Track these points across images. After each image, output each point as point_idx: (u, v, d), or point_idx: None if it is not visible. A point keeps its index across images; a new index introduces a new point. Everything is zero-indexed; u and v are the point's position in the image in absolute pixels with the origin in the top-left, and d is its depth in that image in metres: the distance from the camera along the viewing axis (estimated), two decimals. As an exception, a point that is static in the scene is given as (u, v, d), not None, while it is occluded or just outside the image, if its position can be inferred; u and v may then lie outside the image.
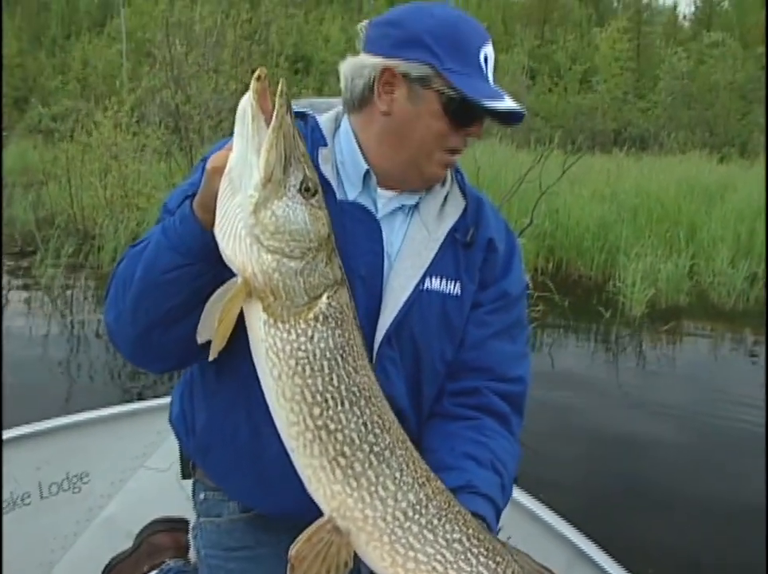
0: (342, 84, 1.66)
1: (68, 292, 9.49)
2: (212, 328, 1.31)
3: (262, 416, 1.43)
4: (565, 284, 10.19)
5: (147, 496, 3.14)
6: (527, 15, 44.38)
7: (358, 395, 1.33)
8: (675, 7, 54.09)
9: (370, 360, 1.47)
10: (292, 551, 1.27)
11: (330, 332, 1.32)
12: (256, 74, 1.34)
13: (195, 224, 1.43)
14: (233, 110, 1.35)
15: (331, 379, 1.32)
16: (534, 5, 46.24)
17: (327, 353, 1.31)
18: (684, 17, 54.47)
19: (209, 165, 1.38)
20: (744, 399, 6.71)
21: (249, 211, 1.30)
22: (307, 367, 1.31)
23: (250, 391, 1.50)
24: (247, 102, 1.31)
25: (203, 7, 11.14)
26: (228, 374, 1.61)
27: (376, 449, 1.32)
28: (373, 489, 1.31)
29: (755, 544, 3.99)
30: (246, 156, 1.32)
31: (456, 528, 1.32)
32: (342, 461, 1.31)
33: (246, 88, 1.34)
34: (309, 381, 1.31)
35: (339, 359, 1.33)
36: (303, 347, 1.31)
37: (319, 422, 1.31)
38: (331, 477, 1.31)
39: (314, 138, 1.63)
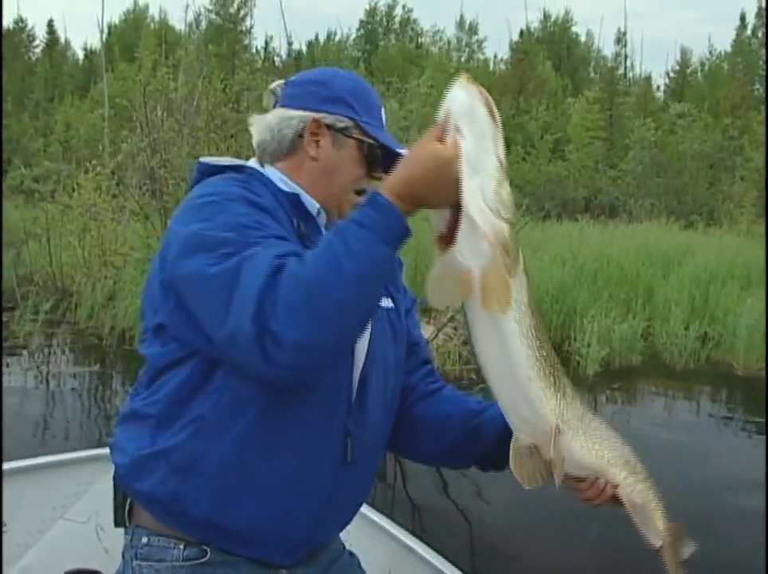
0: (262, 137, 1.88)
1: (47, 349, 9.80)
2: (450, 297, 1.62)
3: (310, 462, 1.70)
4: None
5: (65, 547, 3.07)
6: (503, 85, 45.19)
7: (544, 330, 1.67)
8: (648, 79, 55.13)
9: (362, 378, 1.80)
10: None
11: (527, 282, 1.62)
12: (465, 76, 1.59)
13: (399, 214, 1.52)
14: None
15: (539, 320, 1.65)
16: (510, 76, 47.16)
17: (532, 301, 1.63)
18: (658, 88, 55.58)
19: (450, 153, 1.53)
20: (700, 456, 7.02)
21: (492, 189, 1.54)
22: (531, 309, 1.61)
23: (308, 445, 1.69)
24: (474, 101, 1.56)
25: (183, 75, 11.57)
26: (290, 425, 1.68)
27: (559, 368, 1.68)
28: (569, 398, 1.68)
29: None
30: (482, 144, 1.55)
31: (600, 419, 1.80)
32: (555, 380, 1.66)
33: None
34: (535, 321, 1.62)
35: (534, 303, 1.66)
36: (525, 299, 1.59)
37: (543, 352, 1.62)
38: (553, 392, 1.65)
39: (279, 192, 1.82)
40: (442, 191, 1.56)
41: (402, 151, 1.79)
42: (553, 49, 57.92)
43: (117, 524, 1.80)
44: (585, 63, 63.73)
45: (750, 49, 52.48)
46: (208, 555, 1.68)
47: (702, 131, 34.39)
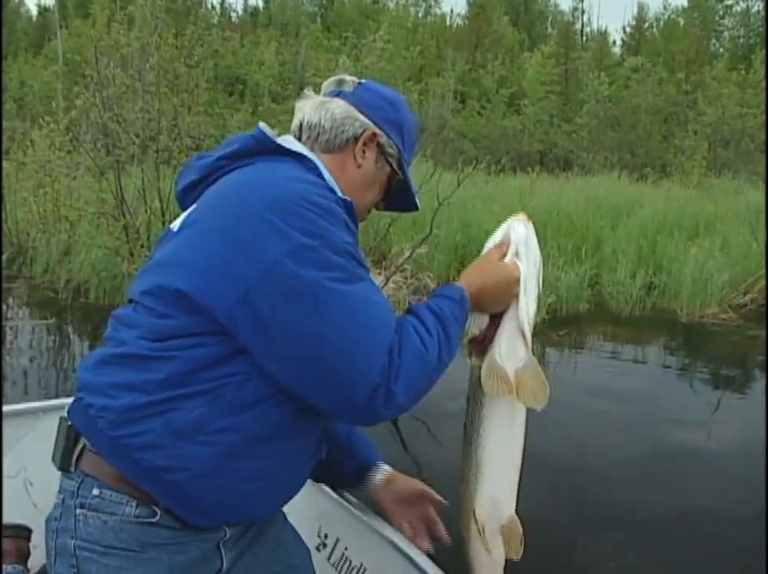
0: (319, 121, 1.93)
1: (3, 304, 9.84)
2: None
3: (297, 460, 1.80)
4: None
5: None
6: (459, 40, 45.13)
7: None
8: (605, 34, 55.25)
9: None
10: None
11: None
12: (524, 215, 2.02)
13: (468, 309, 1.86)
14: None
15: None
16: (467, 31, 47.08)
17: None
18: (614, 43, 55.79)
19: (516, 274, 1.92)
20: (646, 398, 7.17)
21: (534, 309, 1.95)
22: None
23: (307, 443, 1.81)
24: (531, 234, 1.98)
25: (136, 30, 11.52)
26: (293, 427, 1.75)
27: None
28: None
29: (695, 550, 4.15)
30: (533, 271, 1.95)
31: None
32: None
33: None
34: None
35: None
36: None
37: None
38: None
39: (328, 186, 1.79)
40: (500, 302, 1.93)
41: (417, 200, 2.08)
42: (510, 3, 57.87)
43: (62, 468, 1.74)
44: (543, 18, 63.85)
45: (706, 4, 52.74)
46: (158, 516, 1.68)
47: (656, 86, 34.70)
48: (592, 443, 5.89)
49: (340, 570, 2.48)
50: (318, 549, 2.57)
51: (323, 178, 1.82)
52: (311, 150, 1.89)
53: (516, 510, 2.03)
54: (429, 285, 9.89)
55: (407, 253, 9.57)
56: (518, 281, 1.93)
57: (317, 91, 2.01)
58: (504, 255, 1.95)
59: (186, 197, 1.92)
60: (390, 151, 1.96)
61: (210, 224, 1.66)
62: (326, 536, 2.57)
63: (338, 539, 2.49)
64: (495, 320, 1.95)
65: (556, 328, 9.50)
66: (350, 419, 1.74)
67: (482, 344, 1.95)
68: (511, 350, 1.92)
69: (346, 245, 1.64)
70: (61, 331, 8.99)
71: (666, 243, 12.10)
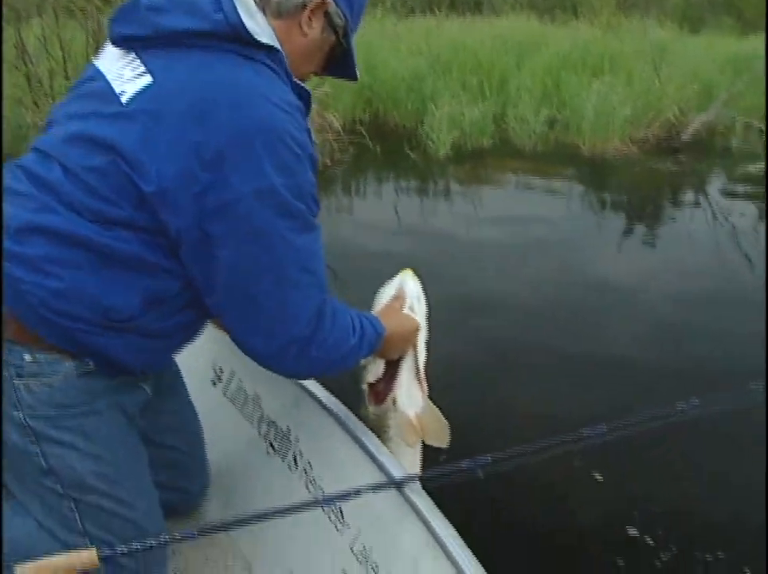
0: None
1: None
2: None
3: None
4: (381, 132, 10.75)
5: None
6: None
7: None
8: None
9: None
10: None
11: None
12: (411, 271, 2.33)
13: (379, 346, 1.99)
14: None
15: None
16: None
17: None
18: None
19: (418, 326, 2.17)
20: (549, 223, 7.41)
21: (424, 357, 2.20)
22: None
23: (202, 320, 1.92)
24: (420, 291, 2.28)
25: None
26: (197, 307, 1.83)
27: None
28: None
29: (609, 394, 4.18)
30: (424, 323, 2.23)
31: None
32: None
33: None
34: None
35: None
36: None
37: None
38: None
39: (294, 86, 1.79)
40: (401, 349, 2.14)
41: (356, 67, 2.03)
42: None
43: None
44: None
45: None
46: (92, 365, 1.74)
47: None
48: (501, 278, 5.98)
49: (235, 401, 2.55)
50: (213, 383, 2.68)
51: (287, 73, 1.79)
52: (263, 13, 1.79)
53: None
54: (334, 124, 9.80)
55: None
56: (417, 331, 2.16)
57: None
58: (402, 307, 2.18)
59: (122, 39, 1.78)
60: (338, 20, 1.90)
61: (190, 135, 1.59)
62: (220, 369, 2.66)
63: (233, 372, 2.57)
64: (390, 369, 2.14)
65: (460, 162, 9.58)
66: (257, 357, 1.80)
67: (380, 393, 2.15)
68: (410, 397, 2.13)
69: (311, 188, 1.69)
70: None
71: (570, 80, 12.10)
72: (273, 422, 2.32)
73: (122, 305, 1.69)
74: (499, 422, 3.83)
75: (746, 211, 8.31)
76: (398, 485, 1.75)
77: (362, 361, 2.07)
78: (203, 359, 2.60)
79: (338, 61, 1.99)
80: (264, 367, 1.84)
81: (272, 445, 2.31)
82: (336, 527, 1.98)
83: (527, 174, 9.58)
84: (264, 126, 1.60)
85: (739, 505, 3.29)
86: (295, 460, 2.20)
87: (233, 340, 1.80)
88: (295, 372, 1.89)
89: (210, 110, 1.59)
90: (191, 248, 1.65)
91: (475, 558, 1.58)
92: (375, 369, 2.13)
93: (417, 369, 2.15)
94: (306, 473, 2.14)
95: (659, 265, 6.46)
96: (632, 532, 3.11)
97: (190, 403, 2.41)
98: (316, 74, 2.03)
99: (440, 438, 2.07)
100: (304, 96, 1.80)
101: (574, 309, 5.39)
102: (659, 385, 4.23)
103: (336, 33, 1.92)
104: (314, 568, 2.04)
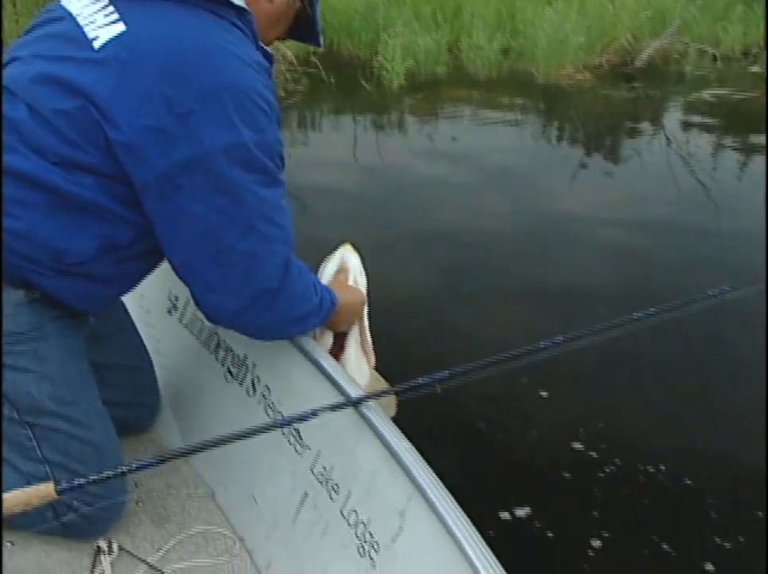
0: None
1: None
2: None
3: None
4: (335, 63, 10.59)
5: None
6: None
7: None
8: None
9: None
10: None
11: None
12: (350, 245, 2.34)
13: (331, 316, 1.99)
14: None
15: None
16: None
17: None
18: None
19: (363, 299, 2.24)
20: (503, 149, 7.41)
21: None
22: None
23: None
24: (359, 264, 2.32)
25: None
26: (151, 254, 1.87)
27: None
28: None
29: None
30: (366, 296, 2.27)
31: None
32: None
33: None
34: None
35: None
36: None
37: None
38: None
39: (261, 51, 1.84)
40: (350, 322, 2.16)
41: (319, 33, 2.06)
42: None
43: None
44: None
45: None
46: (38, 294, 1.76)
47: None
48: (456, 209, 5.98)
49: (191, 328, 2.54)
50: (169, 312, 2.64)
51: (255, 35, 1.82)
52: None
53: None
54: (287, 54, 9.66)
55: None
56: (364, 303, 2.21)
57: None
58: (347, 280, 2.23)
59: None
60: None
61: (161, 89, 1.58)
62: (176, 298, 2.63)
63: (188, 299, 2.53)
64: (338, 342, 2.16)
65: (415, 92, 9.52)
66: (222, 314, 1.82)
67: None
68: (358, 368, 2.16)
69: (278, 146, 1.73)
70: None
71: (524, 7, 12.00)
72: (230, 348, 2.32)
73: (76, 249, 1.70)
74: (453, 345, 3.88)
75: (700, 139, 8.35)
76: (355, 404, 1.76)
77: (312, 333, 2.08)
78: (158, 288, 2.59)
79: (303, 27, 2.02)
80: (226, 326, 1.90)
81: (229, 370, 2.31)
82: (296, 449, 1.99)
83: (482, 103, 9.56)
84: (235, 83, 1.62)
85: (679, 420, 3.43)
86: (253, 385, 2.20)
87: (196, 299, 1.82)
88: (259, 328, 1.87)
89: (182, 65, 1.60)
90: (157, 201, 1.66)
91: (430, 469, 1.60)
92: (325, 341, 2.14)
93: (364, 341, 2.22)
94: (265, 397, 2.15)
95: (614, 193, 6.53)
96: (578, 446, 3.20)
97: (130, 319, 2.43)
98: (280, 39, 2.05)
99: (388, 408, 2.05)
100: (268, 59, 1.82)
101: (530, 238, 5.44)
102: (616, 309, 4.21)
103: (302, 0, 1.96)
104: (276, 492, 2.06)
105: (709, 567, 2.66)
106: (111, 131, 1.60)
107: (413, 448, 1.66)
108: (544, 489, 3.03)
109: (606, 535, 2.79)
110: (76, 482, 1.45)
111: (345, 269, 2.25)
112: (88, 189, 1.66)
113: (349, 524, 1.78)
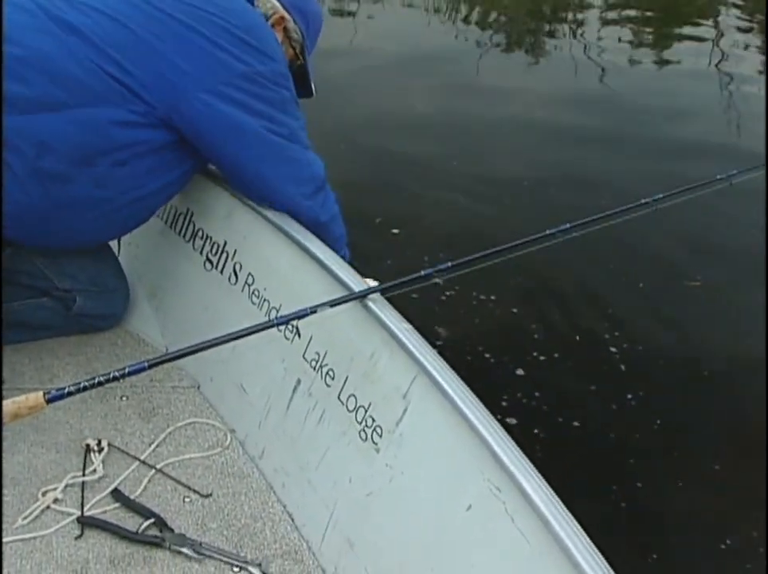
0: None
1: None
2: None
3: None
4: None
5: None
6: None
7: None
8: None
9: None
10: None
11: None
12: None
13: None
14: None
15: None
16: None
17: None
18: None
19: None
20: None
21: None
22: None
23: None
24: None
25: None
26: None
27: None
28: None
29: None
30: None
31: None
32: None
33: None
34: None
35: None
36: None
37: None
38: None
39: None
40: None
41: (312, 84, 2.29)
42: None
43: None
44: None
45: None
46: None
47: None
48: (389, 94, 5.86)
49: (165, 218, 2.48)
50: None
51: None
52: None
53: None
54: None
55: None
56: None
57: None
58: None
59: None
60: (295, 36, 2.16)
61: (191, 30, 1.82)
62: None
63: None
64: None
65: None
66: (291, 200, 1.99)
67: None
68: None
69: (301, 122, 2.02)
70: None
71: None
72: (208, 236, 2.24)
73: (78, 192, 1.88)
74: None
75: (623, 35, 8.27)
76: (361, 297, 1.70)
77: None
78: None
79: (296, 79, 2.10)
80: (293, 213, 1.99)
81: (208, 259, 2.24)
82: (286, 336, 1.94)
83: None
84: (249, 18, 1.91)
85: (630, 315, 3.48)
86: (235, 272, 2.14)
87: (262, 196, 2.00)
88: (321, 207, 2.04)
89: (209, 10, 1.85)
90: (218, 124, 1.87)
91: (433, 349, 1.57)
92: None
93: None
94: (248, 284, 2.08)
95: (540, 84, 6.40)
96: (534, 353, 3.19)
97: None
98: None
99: None
100: None
101: (464, 128, 5.35)
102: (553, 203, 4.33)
103: (294, 48, 2.18)
104: (266, 381, 2.01)
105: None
106: (157, 66, 1.84)
107: (414, 328, 1.61)
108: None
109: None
110: (66, 389, 1.40)
111: None
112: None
113: (348, 410, 1.74)
